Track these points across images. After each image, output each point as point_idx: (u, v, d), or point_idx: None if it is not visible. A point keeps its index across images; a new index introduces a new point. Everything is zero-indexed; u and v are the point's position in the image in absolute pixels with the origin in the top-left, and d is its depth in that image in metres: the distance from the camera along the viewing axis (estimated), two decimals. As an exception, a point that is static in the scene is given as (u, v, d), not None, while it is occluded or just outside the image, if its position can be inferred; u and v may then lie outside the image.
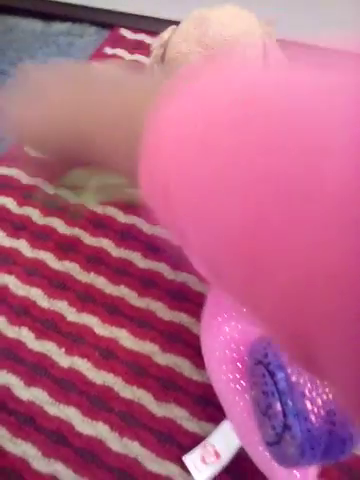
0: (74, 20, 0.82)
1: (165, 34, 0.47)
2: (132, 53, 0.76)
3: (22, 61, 0.77)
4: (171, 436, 0.45)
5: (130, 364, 0.49)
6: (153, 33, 0.77)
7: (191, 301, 0.52)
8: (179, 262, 0.52)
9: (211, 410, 0.45)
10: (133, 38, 0.78)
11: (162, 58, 0.47)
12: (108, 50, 0.77)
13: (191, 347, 0.49)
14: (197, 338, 0.48)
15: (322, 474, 0.40)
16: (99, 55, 0.76)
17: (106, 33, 0.80)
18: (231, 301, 0.39)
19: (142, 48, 0.76)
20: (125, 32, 0.79)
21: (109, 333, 0.50)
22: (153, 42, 0.48)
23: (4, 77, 0.76)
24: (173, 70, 0.46)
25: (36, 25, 0.83)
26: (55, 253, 0.56)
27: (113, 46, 0.77)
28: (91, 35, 0.80)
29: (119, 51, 0.76)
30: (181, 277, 0.53)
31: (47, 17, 0.84)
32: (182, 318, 0.51)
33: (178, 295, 0.52)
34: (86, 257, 0.55)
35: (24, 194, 0.59)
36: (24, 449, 0.45)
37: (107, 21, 0.81)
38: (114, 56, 0.76)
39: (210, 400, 0.45)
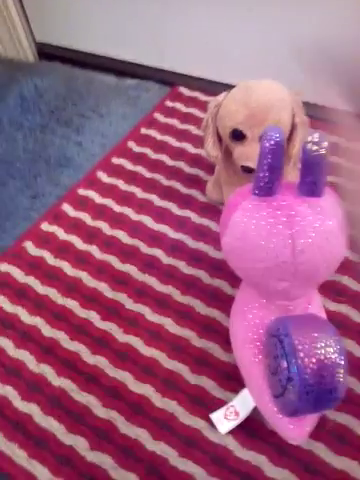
0: (141, 78, 1.02)
1: (219, 97, 0.64)
2: (187, 107, 0.95)
3: (99, 107, 0.97)
4: (201, 400, 0.58)
5: (172, 344, 0.63)
6: (205, 91, 0.96)
7: (223, 301, 0.66)
8: (215, 271, 0.68)
9: (233, 383, 0.59)
10: (189, 95, 0.97)
11: (216, 115, 0.64)
12: (168, 103, 0.96)
13: (221, 335, 0.63)
14: (226, 329, 0.62)
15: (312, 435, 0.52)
16: (161, 107, 0.95)
17: (167, 89, 0.99)
18: (253, 294, 0.54)
19: (196, 103, 0.95)
20: (183, 90, 0.98)
21: (157, 320, 0.65)
22: (210, 101, 0.64)
23: (84, 120, 0.96)
24: (223, 124, 0.63)
25: (111, 80, 1.04)
26: (119, 258, 0.72)
27: (173, 100, 0.96)
28: (155, 91, 0.99)
29: (177, 105, 0.95)
30: (216, 283, 0.69)
31: (120, 74, 1.05)
32: (215, 314, 0.65)
33: (213, 296, 0.67)
34: (143, 262, 0.72)
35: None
36: (88, 400, 0.59)
37: (169, 80, 1.00)
38: (173, 109, 0.95)
39: (233, 375, 0.59)
